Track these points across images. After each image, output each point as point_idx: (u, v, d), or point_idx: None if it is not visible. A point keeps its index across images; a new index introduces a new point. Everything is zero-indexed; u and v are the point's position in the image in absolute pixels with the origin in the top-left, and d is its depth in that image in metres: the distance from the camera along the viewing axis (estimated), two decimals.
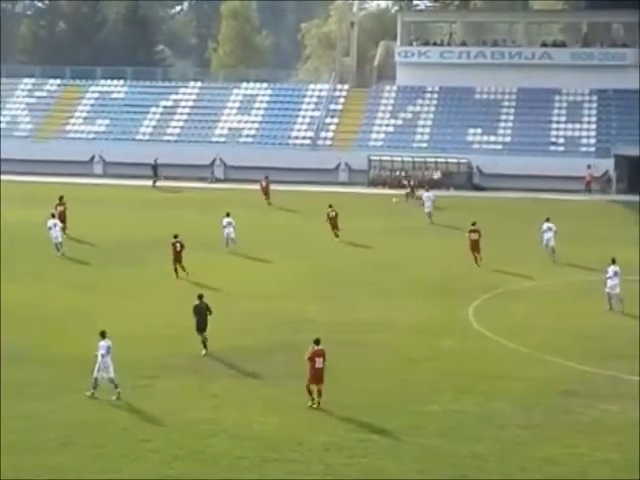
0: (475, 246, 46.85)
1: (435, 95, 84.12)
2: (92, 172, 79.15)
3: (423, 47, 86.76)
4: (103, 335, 29.10)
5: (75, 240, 51.48)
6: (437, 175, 75.82)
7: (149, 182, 73.34)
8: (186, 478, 23.47)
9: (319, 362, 27.90)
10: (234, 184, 73.52)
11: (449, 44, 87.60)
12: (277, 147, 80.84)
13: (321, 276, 44.63)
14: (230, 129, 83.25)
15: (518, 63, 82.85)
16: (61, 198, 54.16)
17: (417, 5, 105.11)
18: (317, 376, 27.83)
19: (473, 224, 47.97)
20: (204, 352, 32.64)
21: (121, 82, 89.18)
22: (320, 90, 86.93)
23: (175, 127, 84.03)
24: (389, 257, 48.77)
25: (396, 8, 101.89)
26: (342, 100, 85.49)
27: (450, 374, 30.89)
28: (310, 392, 27.98)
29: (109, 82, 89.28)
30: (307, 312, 38.20)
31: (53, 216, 49.96)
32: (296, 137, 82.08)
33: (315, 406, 27.89)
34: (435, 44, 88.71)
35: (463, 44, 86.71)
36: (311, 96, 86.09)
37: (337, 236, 52.87)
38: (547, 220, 49.09)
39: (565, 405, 28.31)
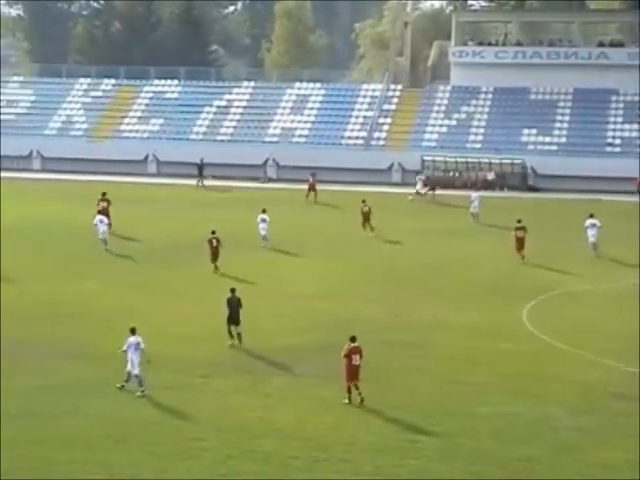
0: (520, 243, 47.50)
1: (489, 95, 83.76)
2: (146, 171, 79.76)
3: (478, 47, 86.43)
4: (133, 331, 29.52)
5: (128, 239, 51.93)
6: (491, 176, 75.48)
7: (205, 182, 73.72)
8: (238, 477, 23.64)
9: (356, 359, 28.23)
10: (287, 184, 73.72)
11: (504, 44, 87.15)
12: (330, 147, 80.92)
13: (371, 276, 44.64)
14: (283, 129, 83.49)
15: (574, 63, 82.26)
16: (104, 194, 55.37)
17: (472, 5, 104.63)
18: (354, 373, 28.19)
19: (519, 221, 48.57)
20: (230, 343, 33.45)
21: (175, 82, 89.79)
22: (373, 90, 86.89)
23: (228, 127, 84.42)
24: (440, 258, 48.66)
25: (451, 8, 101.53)
26: (395, 100, 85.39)
27: (503, 376, 30.79)
28: (349, 390, 28.28)
29: (163, 82, 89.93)
30: (358, 312, 38.22)
31: (100, 212, 51.16)
32: (349, 137, 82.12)
33: (348, 402, 28.20)
34: (490, 44, 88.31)
35: (518, 44, 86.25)
36: (364, 96, 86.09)
37: (372, 230, 53.49)
38: (591, 216, 49.80)
39: (621, 409, 28.07)
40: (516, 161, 75.86)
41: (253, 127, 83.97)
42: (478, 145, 79.61)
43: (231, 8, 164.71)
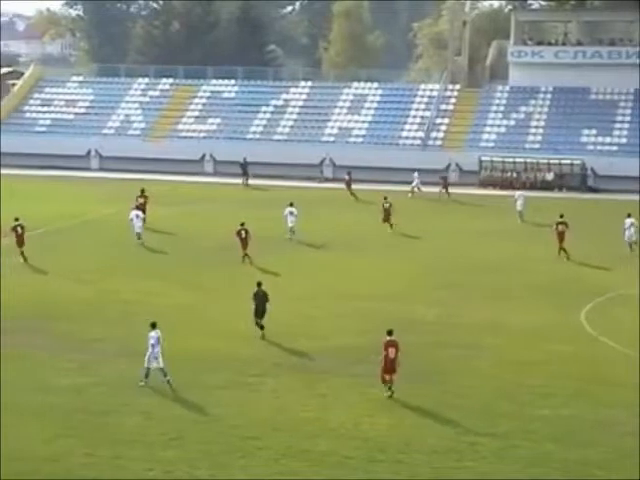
0: (562, 238, 48.20)
1: (549, 95, 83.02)
2: (203, 170, 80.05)
3: (537, 47, 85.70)
4: (154, 326, 29.79)
5: (183, 238, 52.10)
6: (550, 176, 74.82)
7: (259, 181, 73.75)
8: (293, 476, 23.58)
9: (392, 352, 28.60)
10: (343, 184, 73.50)
11: (564, 43, 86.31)
12: (387, 147, 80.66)
13: (429, 277, 44.38)
14: (340, 129, 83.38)
15: (635, 63, 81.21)
16: (142, 190, 56.38)
17: (531, 4, 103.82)
18: (390, 366, 28.56)
19: (561, 216, 49.10)
20: (261, 336, 34.12)
21: (232, 82, 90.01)
22: (431, 90, 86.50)
23: (285, 126, 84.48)
24: (493, 259, 48.23)
25: (510, 7, 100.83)
26: (453, 100, 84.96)
27: (562, 378, 30.45)
28: (385, 382, 28.60)
29: (220, 82, 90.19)
30: (416, 313, 38.04)
31: (137, 208, 51.77)
32: (406, 137, 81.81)
33: (389, 395, 28.47)
34: (549, 44, 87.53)
35: (578, 43, 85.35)
36: (422, 96, 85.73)
37: (391, 227, 54.39)
38: (628, 216, 50.46)
39: None
40: (575, 162, 75.11)
41: (310, 127, 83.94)
42: (537, 145, 78.92)
43: (289, 8, 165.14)
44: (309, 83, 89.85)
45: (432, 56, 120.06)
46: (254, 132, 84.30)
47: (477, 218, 59.92)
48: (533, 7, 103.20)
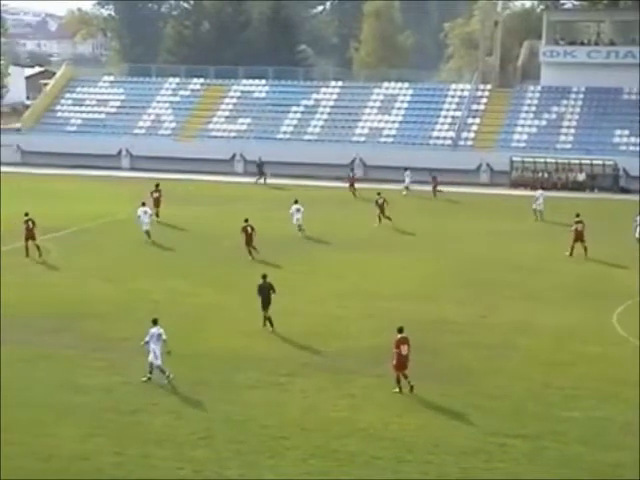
0: (579, 236, 48.62)
1: (581, 96, 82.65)
2: (233, 170, 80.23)
3: (569, 47, 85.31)
4: (155, 322, 30.02)
5: (211, 237, 52.24)
6: (581, 177, 74.48)
7: (289, 181, 73.81)
8: (322, 476, 23.64)
9: (404, 349, 28.94)
10: (373, 184, 73.42)
11: (596, 43, 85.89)
12: (417, 147, 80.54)
13: (456, 277, 44.31)
14: (370, 129, 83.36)
15: None
16: (157, 185, 57.61)
17: (564, 4, 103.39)
18: (403, 363, 28.92)
19: (577, 215, 49.38)
20: (271, 330, 34.92)
21: (263, 81, 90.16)
22: (462, 90, 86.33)
23: (315, 126, 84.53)
24: (523, 258, 48.07)
25: (542, 7, 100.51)
26: (484, 100, 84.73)
27: (593, 380, 30.34)
28: (398, 379, 28.89)
29: (251, 81, 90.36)
30: (445, 313, 38.02)
31: (143, 204, 51.99)
32: (437, 137, 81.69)
33: (400, 391, 28.90)
34: (582, 43, 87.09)
35: (611, 43, 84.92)
36: (453, 96, 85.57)
37: (386, 220, 55.52)
38: None
39: None
40: (607, 162, 74.73)
41: (340, 127, 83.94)
42: (568, 146, 78.57)
43: (320, 8, 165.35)
44: (340, 83, 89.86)
45: (463, 56, 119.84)
46: (284, 132, 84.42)
47: (504, 218, 59.60)
48: (565, 7, 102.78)
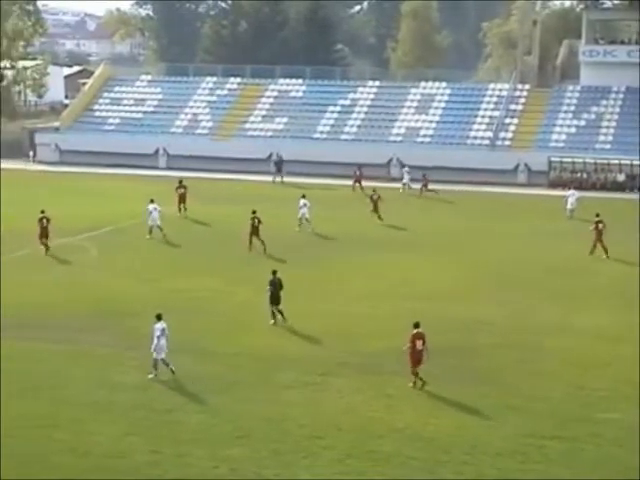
0: (599, 236, 48.65)
1: (621, 95, 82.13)
2: (269, 169, 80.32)
3: (609, 46, 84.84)
4: (159, 317, 30.28)
5: (245, 237, 52.31)
6: (621, 177, 74.02)
7: (326, 181, 73.80)
8: (358, 477, 23.67)
9: (419, 344, 29.31)
10: (410, 183, 73.39)
11: (637, 43, 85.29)
12: (455, 147, 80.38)
13: (492, 278, 44.17)
14: (407, 128, 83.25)
15: None
16: (181, 181, 58.78)
17: (603, 3, 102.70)
18: (418, 358, 29.28)
19: (597, 215, 49.44)
20: (272, 322, 35.83)
21: (300, 81, 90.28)
22: (500, 90, 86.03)
23: (352, 126, 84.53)
24: (561, 260, 47.82)
25: (581, 6, 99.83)
26: (523, 100, 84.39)
27: (629, 382, 30.13)
28: (414, 374, 29.34)
29: (288, 81, 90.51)
30: (480, 313, 37.92)
31: (152, 201, 52.38)
32: (474, 137, 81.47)
33: (413, 386, 29.32)
34: (622, 43, 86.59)
35: None
36: (491, 96, 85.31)
37: (379, 218, 56.65)
38: None
39: None
40: None
41: (377, 126, 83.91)
42: (608, 146, 78.09)
43: (357, 8, 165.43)
44: (377, 83, 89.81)
45: (501, 55, 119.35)
46: (321, 132, 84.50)
47: (541, 219, 59.29)
48: (605, 6, 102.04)
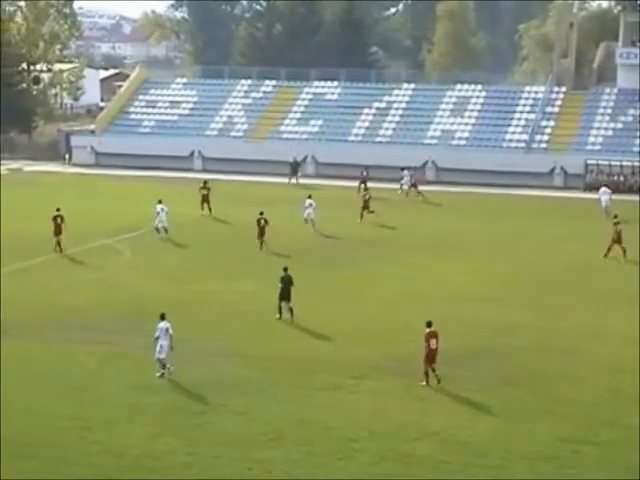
0: (619, 237, 48.82)
1: None
2: (304, 172, 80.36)
3: None
4: (162, 317, 30.53)
5: (280, 239, 52.44)
6: None
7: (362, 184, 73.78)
8: (391, 479, 23.73)
9: (433, 343, 29.81)
10: (445, 186, 73.39)
11: None
12: (490, 150, 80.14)
13: (527, 281, 44.05)
14: (443, 131, 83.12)
15: None
16: (205, 182, 60.17)
17: None
18: (432, 356, 29.79)
19: (615, 217, 50.00)
20: (277, 317, 36.88)
21: (335, 83, 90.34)
22: (536, 92, 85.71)
23: (387, 129, 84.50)
24: (596, 263, 47.59)
25: (619, 8, 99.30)
26: (559, 102, 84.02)
27: None
28: (426, 373, 29.80)
29: (323, 83, 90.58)
30: (514, 316, 37.86)
31: (160, 202, 53.29)
32: (510, 140, 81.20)
33: (426, 384, 29.82)
34: None
35: None
36: (527, 98, 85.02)
37: (371, 213, 57.93)
38: None
39: None
40: None
41: (412, 129, 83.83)
42: None
43: (392, 10, 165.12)
44: (412, 85, 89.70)
45: (538, 58, 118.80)
46: (356, 134, 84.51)
47: (577, 221, 58.87)
48: None
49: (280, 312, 37.01)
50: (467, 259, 48.40)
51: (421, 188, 69.17)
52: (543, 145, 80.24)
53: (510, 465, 24.44)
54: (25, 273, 44.65)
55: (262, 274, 44.36)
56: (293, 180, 75.32)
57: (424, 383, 29.84)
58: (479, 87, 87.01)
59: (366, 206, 58.45)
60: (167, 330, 30.39)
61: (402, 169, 71.81)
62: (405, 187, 70.57)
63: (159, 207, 52.98)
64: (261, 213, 50.05)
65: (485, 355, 33.01)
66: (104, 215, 58.03)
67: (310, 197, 56.14)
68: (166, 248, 50.86)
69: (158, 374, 30.41)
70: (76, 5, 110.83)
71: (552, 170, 76.61)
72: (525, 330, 36.07)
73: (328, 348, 33.84)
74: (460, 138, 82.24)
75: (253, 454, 24.90)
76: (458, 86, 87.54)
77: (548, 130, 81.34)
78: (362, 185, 69.07)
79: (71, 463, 24.41)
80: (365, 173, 71.06)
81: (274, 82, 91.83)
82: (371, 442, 25.75)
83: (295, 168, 76.24)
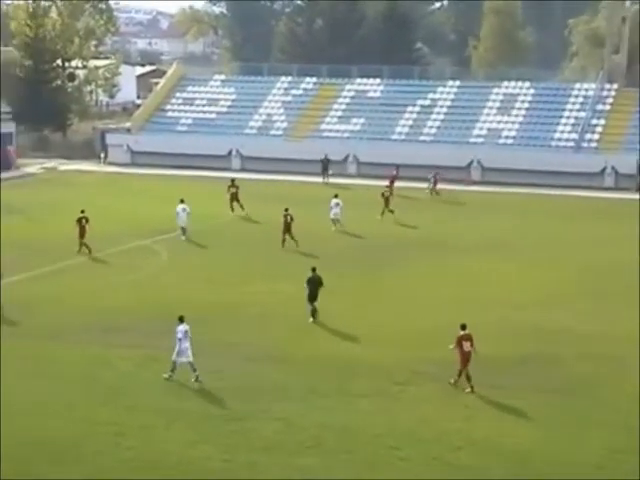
0: None
1: None
2: (345, 172, 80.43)
3: None
4: (181, 320, 30.67)
5: (320, 239, 52.54)
6: None
7: (403, 184, 73.63)
8: None
9: (466, 346, 29.91)
10: (492, 187, 73.19)
11: None
12: (538, 149, 79.84)
13: (577, 285, 43.83)
14: (489, 130, 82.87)
15: None
16: (233, 180, 61.14)
17: None
18: (465, 360, 29.85)
19: None
20: (311, 320, 37.05)
21: (377, 81, 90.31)
22: (586, 90, 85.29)
23: (431, 127, 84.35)
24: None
25: None
26: (610, 100, 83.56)
27: None
28: (460, 374, 30.04)
29: (365, 81, 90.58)
30: (564, 322, 37.69)
31: (182, 201, 53.64)
32: (559, 139, 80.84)
33: (454, 383, 30.17)
34: None
35: None
36: (576, 96, 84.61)
37: (390, 212, 58.47)
38: None
39: None
40: None
41: (457, 127, 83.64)
42: None
43: (437, 4, 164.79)
44: (457, 82, 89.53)
45: (588, 54, 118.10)
46: (399, 133, 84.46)
47: (628, 224, 58.32)
48: None
49: (313, 315, 37.18)
50: (512, 262, 48.23)
51: (440, 187, 69.95)
52: (593, 144, 79.80)
53: (558, 476, 24.36)
54: (61, 275, 45.07)
55: (299, 275, 44.42)
56: (325, 179, 75.43)
57: (468, 390, 29.88)
58: (527, 84, 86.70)
59: (386, 204, 59.02)
60: (186, 332, 30.54)
61: (433, 168, 71.82)
62: (432, 186, 70.97)
63: (180, 207, 53.32)
64: (286, 209, 50.67)
65: (534, 361, 32.91)
66: (140, 216, 58.42)
67: (337, 196, 56.62)
68: (202, 249, 51.11)
69: (165, 375, 30.61)
70: (112, 0, 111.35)
71: (603, 170, 76.17)
72: (572, 336, 35.90)
73: (370, 352, 33.84)
74: (507, 137, 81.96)
75: (292, 461, 24.97)
76: (505, 83, 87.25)
77: (599, 129, 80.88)
78: (391, 184, 69.13)
79: (105, 469, 24.57)
80: (395, 172, 71.11)
81: (315, 79, 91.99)
82: (414, 450, 25.77)
83: (326, 166, 76.20)
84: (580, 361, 33.20)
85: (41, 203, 63.27)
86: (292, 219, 50.53)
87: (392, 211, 58.89)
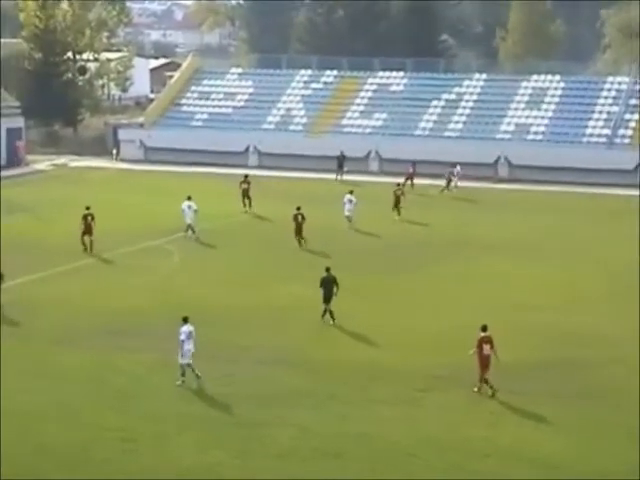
0: None
1: None
2: (367, 169, 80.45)
3: None
4: (185, 320, 30.88)
5: (340, 239, 52.57)
6: None
7: (426, 181, 73.64)
8: None
9: (486, 349, 29.97)
10: (520, 185, 73.09)
11: None
12: (569, 145, 79.64)
13: (606, 287, 43.76)
14: (517, 125, 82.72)
15: None
16: (246, 176, 61.87)
17: None
18: (485, 362, 29.96)
19: None
20: (331, 322, 37.26)
21: (401, 74, 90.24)
22: (619, 83, 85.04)
23: (457, 122, 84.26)
24: None
25: None
26: None
27: None
28: (481, 379, 30.08)
29: (388, 74, 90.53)
30: (593, 325, 37.65)
31: (189, 198, 53.81)
32: (590, 134, 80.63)
33: (478, 390, 30.21)
34: None
35: None
36: (609, 90, 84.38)
37: (399, 214, 58.55)
38: None
39: None
40: None
41: (484, 123, 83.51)
42: None
43: None
44: (484, 75, 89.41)
45: (621, 46, 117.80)
46: (423, 128, 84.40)
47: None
48: None
49: (332, 316, 37.36)
50: (540, 262, 48.19)
51: (463, 184, 70.43)
52: (627, 140, 79.58)
53: None
54: (70, 276, 45.27)
55: (314, 276, 44.40)
56: (340, 176, 75.38)
57: (475, 389, 30.14)
58: (557, 77, 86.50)
59: (397, 202, 59.17)
60: (190, 333, 30.65)
61: (453, 166, 71.80)
62: (454, 183, 71.14)
63: (185, 204, 53.45)
64: (298, 208, 50.87)
65: (561, 366, 32.87)
66: (153, 214, 58.60)
67: (351, 192, 56.91)
68: (216, 249, 51.24)
69: (178, 382, 30.72)
70: None
71: (637, 167, 75.93)
72: (605, 340, 35.84)
73: (391, 357, 33.85)
74: (536, 133, 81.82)
75: (308, 469, 25.01)
76: (534, 76, 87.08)
77: (632, 124, 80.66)
78: (408, 181, 69.54)
79: (113, 476, 24.67)
80: (412, 169, 71.33)
81: (335, 72, 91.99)
82: (437, 458, 25.80)
83: (341, 163, 76.17)
84: (608, 366, 33.19)
85: (51, 201, 63.51)
86: (304, 218, 50.67)
87: (399, 211, 58.83)
